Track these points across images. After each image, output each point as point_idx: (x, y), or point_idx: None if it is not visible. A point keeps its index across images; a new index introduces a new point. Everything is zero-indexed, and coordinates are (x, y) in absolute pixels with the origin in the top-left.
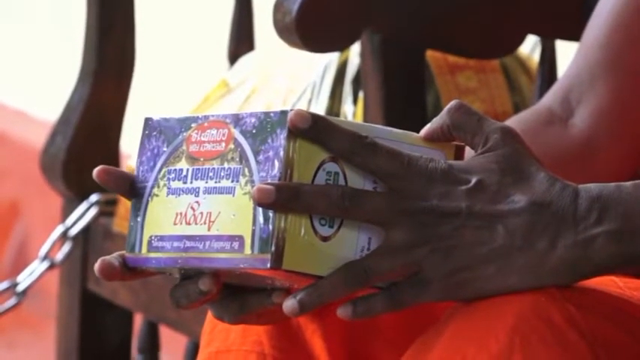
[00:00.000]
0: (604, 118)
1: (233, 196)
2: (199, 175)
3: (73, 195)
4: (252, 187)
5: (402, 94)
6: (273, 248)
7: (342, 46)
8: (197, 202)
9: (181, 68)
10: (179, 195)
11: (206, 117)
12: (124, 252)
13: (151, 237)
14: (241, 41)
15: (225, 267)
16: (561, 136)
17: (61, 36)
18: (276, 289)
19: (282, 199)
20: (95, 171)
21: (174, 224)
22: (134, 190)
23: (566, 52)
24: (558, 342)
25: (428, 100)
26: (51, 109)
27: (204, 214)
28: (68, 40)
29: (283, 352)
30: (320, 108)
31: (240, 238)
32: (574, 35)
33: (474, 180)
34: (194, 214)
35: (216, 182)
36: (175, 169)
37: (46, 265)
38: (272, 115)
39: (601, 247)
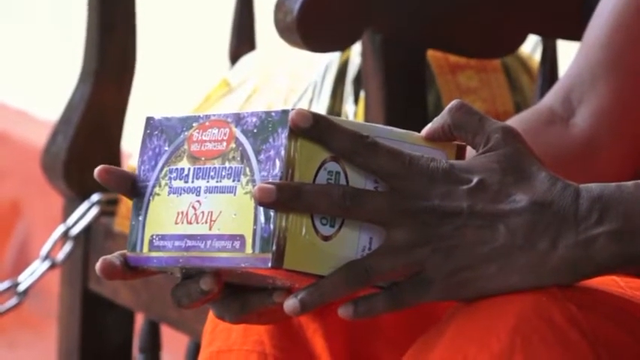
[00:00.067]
0: (605, 117)
1: (234, 195)
2: (200, 174)
3: (74, 194)
4: (254, 186)
5: (403, 93)
6: (274, 248)
7: (343, 45)
8: (198, 201)
9: (182, 68)
10: (180, 194)
11: (207, 116)
12: (125, 251)
13: (152, 236)
14: (242, 41)
15: (226, 266)
16: (562, 136)
17: (62, 36)
18: (277, 289)
19: (283, 198)
20: (96, 170)
21: (176, 223)
22: (135, 189)
23: (567, 51)
24: (559, 342)
25: (429, 99)
26: (52, 108)
27: (206, 214)
28: (69, 40)
29: (284, 352)
30: (321, 108)
31: (241, 238)
32: (575, 35)
33: (475, 180)
34: (195, 214)
35: (217, 181)
36: (177, 169)
37: (47, 264)
38: (273, 114)
39: (602, 246)
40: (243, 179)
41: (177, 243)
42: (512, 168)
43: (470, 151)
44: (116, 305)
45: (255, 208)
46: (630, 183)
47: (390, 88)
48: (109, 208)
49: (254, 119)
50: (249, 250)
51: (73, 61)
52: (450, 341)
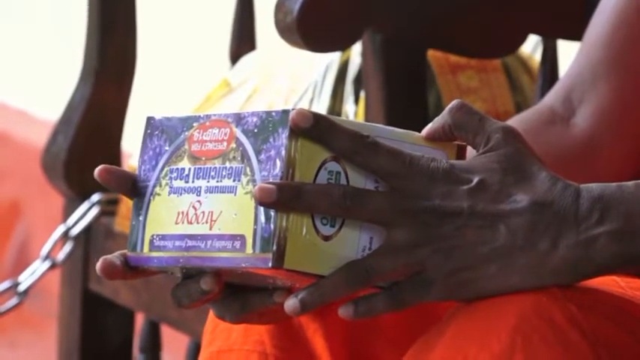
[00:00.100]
0: (606, 117)
1: (235, 195)
2: (201, 174)
3: (74, 195)
4: (254, 186)
5: (403, 93)
6: (274, 247)
7: (343, 45)
8: (199, 201)
9: (183, 68)
10: (181, 194)
11: (208, 116)
12: (125, 251)
13: (152, 236)
14: (243, 41)
15: (226, 266)
16: (563, 136)
17: (62, 36)
18: (277, 289)
19: (283, 198)
20: (97, 170)
21: (176, 223)
22: (136, 189)
23: (567, 51)
24: (560, 342)
25: (429, 99)
26: (52, 108)
27: (206, 214)
28: (69, 40)
29: (285, 352)
30: (321, 108)
31: (241, 238)
32: (575, 35)
33: (475, 180)
34: (196, 214)
35: (217, 181)
36: (177, 169)
37: (47, 264)
38: (274, 114)
39: (602, 247)
40: (244, 179)
41: (177, 243)
42: (513, 168)
43: (470, 151)
44: (116, 305)
45: (256, 208)
46: (631, 183)
47: (390, 88)
48: (109, 208)
49: (254, 119)
50: (249, 250)
51: (74, 61)
52: (451, 341)
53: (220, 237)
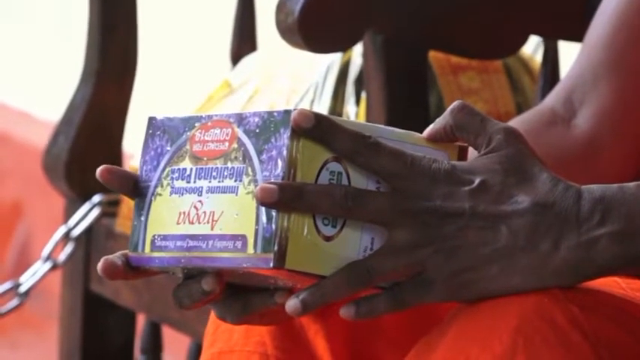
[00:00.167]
0: (607, 118)
1: (236, 195)
2: (203, 174)
3: (75, 195)
4: (256, 186)
5: (404, 94)
6: (275, 248)
7: (344, 46)
8: (200, 201)
9: (184, 69)
10: (182, 194)
11: (210, 116)
12: (127, 251)
13: (154, 236)
14: (244, 42)
15: (228, 266)
16: (564, 137)
17: (64, 36)
18: (279, 289)
19: (285, 198)
20: (98, 170)
21: (178, 223)
22: (137, 189)
23: (568, 52)
24: (561, 343)
25: (430, 100)
26: (53, 109)
27: (208, 214)
28: (70, 41)
29: (286, 353)
30: (322, 108)
31: (243, 238)
32: (576, 36)
33: (477, 181)
34: (197, 214)
35: (219, 182)
36: (179, 169)
37: (48, 265)
38: (275, 114)
39: (604, 248)
40: (245, 179)
41: (179, 243)
42: (514, 169)
43: (472, 152)
44: (117, 306)
45: (257, 208)
46: (632, 184)
47: (391, 89)
48: (110, 209)
49: (256, 119)
50: (250, 250)
51: (74, 62)
52: (452, 342)
53: (222, 237)
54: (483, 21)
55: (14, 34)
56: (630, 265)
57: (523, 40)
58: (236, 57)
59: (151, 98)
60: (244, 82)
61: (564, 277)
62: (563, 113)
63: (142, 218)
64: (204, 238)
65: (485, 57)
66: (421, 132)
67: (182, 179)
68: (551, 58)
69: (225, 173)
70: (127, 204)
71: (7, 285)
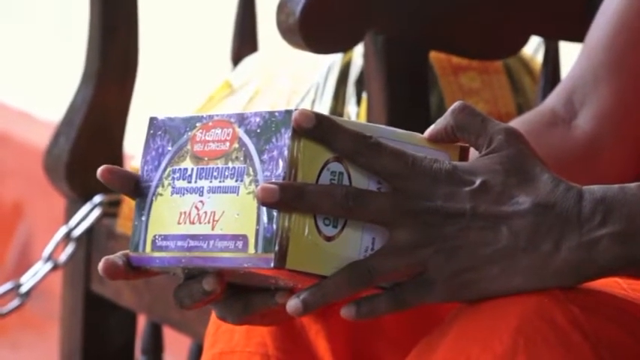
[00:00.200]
0: (607, 119)
1: (237, 195)
2: (204, 174)
3: (76, 196)
4: (257, 186)
5: (405, 94)
6: (276, 248)
7: (345, 47)
8: (201, 201)
9: (184, 69)
10: (183, 194)
11: (211, 116)
12: (127, 251)
13: (154, 236)
14: (245, 42)
15: (228, 266)
16: (565, 138)
17: (63, 36)
18: (279, 289)
19: (286, 198)
20: (99, 170)
21: (179, 223)
22: (138, 189)
23: (569, 53)
24: (562, 343)
25: (431, 100)
26: (54, 110)
27: (208, 214)
28: (71, 41)
29: (287, 353)
30: (323, 109)
31: (244, 238)
32: (577, 36)
33: (478, 181)
34: (198, 214)
35: (220, 182)
36: (180, 169)
37: (49, 266)
38: (276, 114)
39: (605, 249)
40: (246, 179)
41: (179, 243)
42: (515, 169)
43: (473, 153)
44: (118, 307)
45: (258, 208)
46: (633, 185)
47: (392, 90)
48: (111, 210)
49: (257, 119)
50: (251, 250)
51: (75, 62)
52: (453, 342)
53: (222, 237)
54: (484, 21)
55: (14, 34)
56: (631, 265)
57: (524, 41)
58: (237, 57)
59: (151, 99)
60: (245, 82)
61: (565, 277)
62: (564, 114)
63: (143, 218)
64: (205, 238)
65: (486, 57)
66: (422, 132)
67: (183, 179)
68: (551, 58)
69: (226, 173)
70: (128, 204)
71: (7, 285)
